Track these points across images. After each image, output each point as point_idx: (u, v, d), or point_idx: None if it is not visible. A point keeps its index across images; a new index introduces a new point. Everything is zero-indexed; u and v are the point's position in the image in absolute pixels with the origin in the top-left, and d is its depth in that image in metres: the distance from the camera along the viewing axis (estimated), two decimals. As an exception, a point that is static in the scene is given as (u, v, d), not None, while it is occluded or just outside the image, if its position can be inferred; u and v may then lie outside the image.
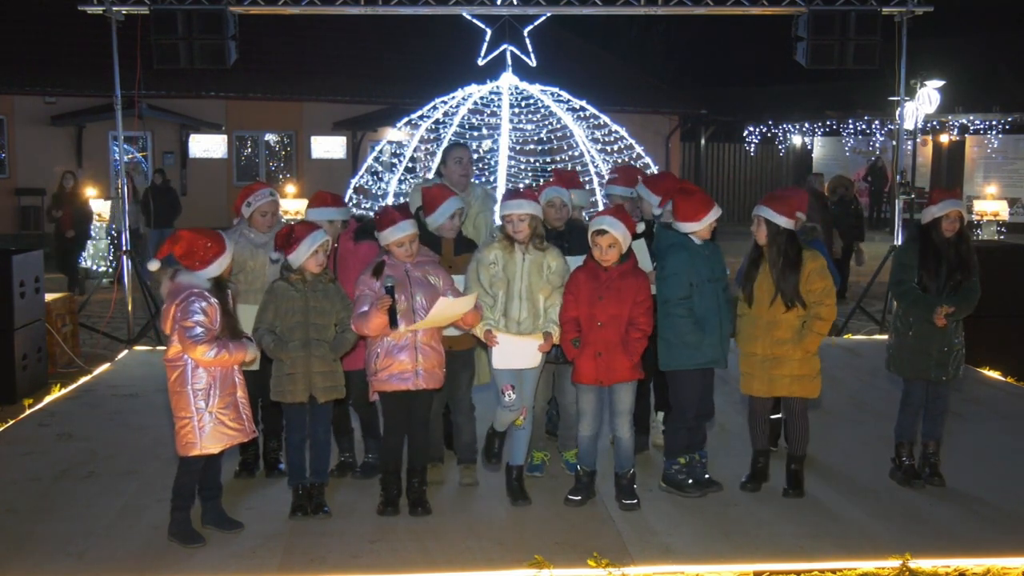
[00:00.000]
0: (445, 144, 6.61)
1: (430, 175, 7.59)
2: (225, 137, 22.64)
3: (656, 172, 6.27)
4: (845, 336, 10.49)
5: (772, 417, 5.99)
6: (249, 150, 23.33)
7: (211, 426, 4.77)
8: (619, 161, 12.72)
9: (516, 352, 5.27)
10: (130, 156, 21.08)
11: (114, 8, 9.81)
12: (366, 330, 5.07)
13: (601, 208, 12.10)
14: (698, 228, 5.35)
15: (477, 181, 11.80)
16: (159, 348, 9.51)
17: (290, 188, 16.56)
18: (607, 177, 6.87)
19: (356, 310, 5.10)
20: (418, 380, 5.12)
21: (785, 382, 5.39)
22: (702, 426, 5.61)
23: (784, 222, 5.31)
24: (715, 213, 5.35)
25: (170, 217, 15.97)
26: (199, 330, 4.65)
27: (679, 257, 5.36)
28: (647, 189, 5.93)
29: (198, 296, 4.72)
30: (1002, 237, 16.91)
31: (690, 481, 5.49)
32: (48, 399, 7.77)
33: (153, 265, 4.90)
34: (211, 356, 4.67)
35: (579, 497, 5.33)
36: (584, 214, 6.54)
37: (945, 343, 5.61)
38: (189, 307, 4.68)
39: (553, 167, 11.04)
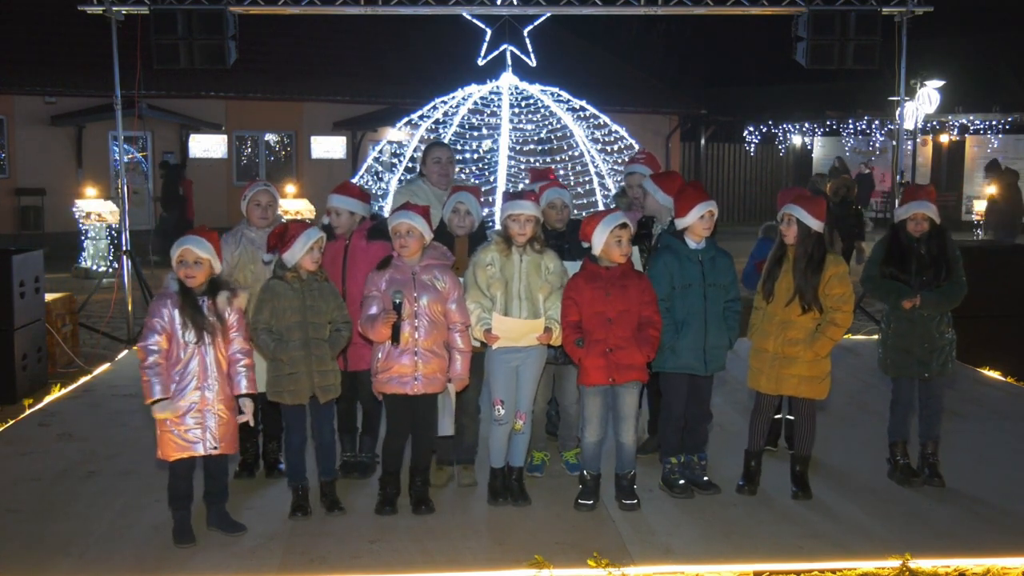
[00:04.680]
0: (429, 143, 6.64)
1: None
2: (225, 137, 22.65)
3: (661, 172, 6.22)
4: (845, 336, 10.47)
5: (774, 417, 5.99)
6: (249, 150, 23.33)
7: (167, 433, 4.76)
8: (620, 161, 12.73)
9: (515, 334, 5.25)
10: (130, 156, 21.08)
11: (114, 8, 9.81)
12: (371, 335, 5.07)
13: (601, 205, 12.13)
14: (687, 223, 5.33)
15: (477, 181, 11.84)
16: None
17: (290, 188, 16.58)
18: (633, 157, 6.78)
19: (364, 310, 5.10)
20: (416, 385, 5.11)
21: (793, 382, 5.37)
22: (700, 428, 5.60)
23: (815, 224, 5.27)
24: (702, 208, 5.30)
25: None
26: (146, 331, 4.72)
27: (663, 259, 5.37)
28: (655, 185, 5.90)
29: (160, 299, 4.78)
30: (1002, 237, 16.91)
31: (681, 481, 5.49)
32: (48, 399, 7.76)
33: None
34: (142, 359, 4.72)
35: (591, 501, 5.30)
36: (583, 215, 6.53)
37: (926, 339, 5.61)
38: (150, 308, 4.79)
39: (549, 166, 11.02)
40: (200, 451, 4.78)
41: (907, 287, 5.61)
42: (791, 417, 5.95)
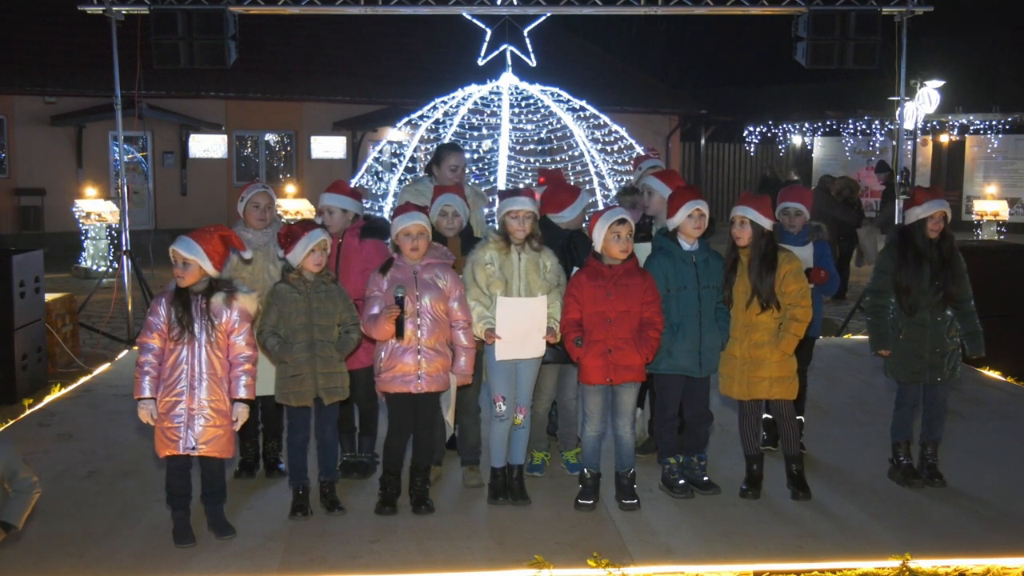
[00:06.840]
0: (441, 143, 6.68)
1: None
2: (225, 137, 22.63)
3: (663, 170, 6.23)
4: (845, 336, 10.48)
5: (767, 417, 5.99)
6: (249, 150, 23.32)
7: (158, 428, 4.76)
8: (620, 161, 12.74)
9: (519, 332, 5.23)
10: (130, 156, 21.08)
11: (114, 8, 9.81)
12: (374, 334, 5.08)
13: (600, 205, 12.13)
14: (676, 222, 5.33)
15: (477, 181, 11.84)
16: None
17: (290, 188, 16.59)
18: (645, 153, 6.79)
19: (366, 311, 5.10)
20: (420, 383, 5.11)
21: (764, 385, 5.37)
22: (700, 429, 5.60)
23: (767, 223, 5.30)
24: (689, 207, 5.28)
25: None
26: (143, 329, 4.80)
27: (658, 261, 5.37)
28: (660, 182, 5.88)
29: (157, 297, 4.84)
30: (1002, 237, 16.93)
31: (681, 481, 5.49)
32: (48, 399, 7.77)
33: None
34: (138, 356, 4.78)
35: (591, 501, 5.30)
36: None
37: (938, 343, 5.58)
38: (149, 306, 4.86)
39: (552, 167, 11.02)
40: (180, 450, 4.74)
41: (887, 335, 5.64)
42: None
